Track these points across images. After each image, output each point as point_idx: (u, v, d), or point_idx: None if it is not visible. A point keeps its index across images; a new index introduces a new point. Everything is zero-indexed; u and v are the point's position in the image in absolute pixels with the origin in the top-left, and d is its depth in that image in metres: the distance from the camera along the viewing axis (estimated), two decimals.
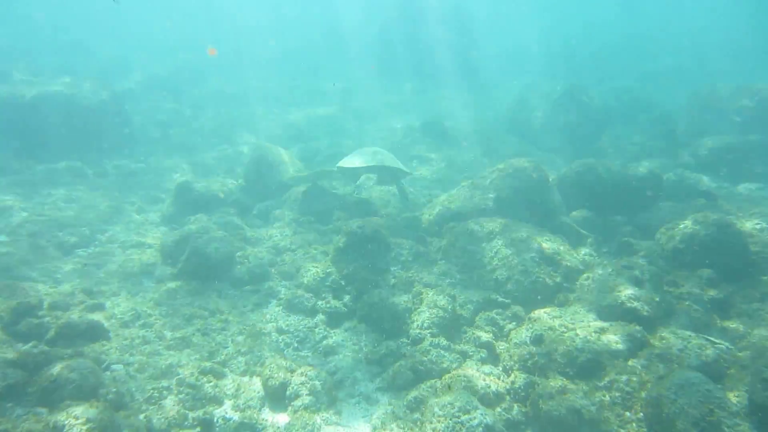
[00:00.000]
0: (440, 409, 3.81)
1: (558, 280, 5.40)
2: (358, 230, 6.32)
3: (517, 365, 4.46)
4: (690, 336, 4.24)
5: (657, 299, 4.77)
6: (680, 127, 13.01)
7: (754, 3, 30.85)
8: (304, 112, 16.04)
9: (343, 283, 6.07)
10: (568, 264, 5.55)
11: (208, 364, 4.71)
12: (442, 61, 21.27)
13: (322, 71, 23.45)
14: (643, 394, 3.73)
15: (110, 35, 27.03)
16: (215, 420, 4.11)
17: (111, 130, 11.35)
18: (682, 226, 6.06)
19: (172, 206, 8.09)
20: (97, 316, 5.11)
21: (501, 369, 4.59)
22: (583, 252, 6.59)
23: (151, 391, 4.29)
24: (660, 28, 32.93)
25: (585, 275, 5.42)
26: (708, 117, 11.87)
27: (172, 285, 5.72)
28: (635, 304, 4.63)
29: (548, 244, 5.85)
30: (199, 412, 4.14)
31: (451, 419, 3.72)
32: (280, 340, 5.24)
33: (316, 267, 6.21)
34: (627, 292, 4.78)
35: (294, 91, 20.27)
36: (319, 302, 5.84)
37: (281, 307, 5.76)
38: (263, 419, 4.21)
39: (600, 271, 5.20)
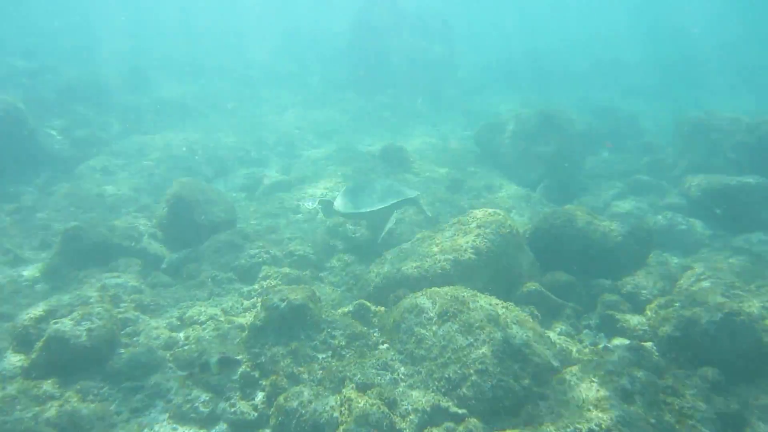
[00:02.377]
0: None
1: (526, 382, 4.43)
2: (280, 304, 5.26)
3: None
4: None
5: (652, 421, 3.85)
6: (669, 158, 12.41)
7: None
8: (251, 128, 14.94)
9: (256, 376, 5.00)
10: (539, 360, 4.59)
11: None
12: (417, 74, 20.50)
13: (285, 83, 22.45)
14: None
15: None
16: None
17: (7, 150, 10.06)
18: (677, 305, 5.21)
19: (57, 257, 6.88)
20: None
21: None
22: (558, 330, 5.69)
23: None
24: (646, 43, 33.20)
25: (559, 377, 4.48)
26: (699, 149, 11.25)
27: (12, 389, 4.53)
28: None
29: (515, 329, 4.90)
30: None
31: None
32: None
33: (221, 354, 5.11)
34: (613, 414, 3.84)
35: (247, 103, 19.17)
36: (222, 405, 4.75)
37: (168, 415, 4.64)
38: None
39: (579, 384, 4.25)
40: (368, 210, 7.47)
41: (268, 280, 6.67)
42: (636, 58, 30.20)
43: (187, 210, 7.59)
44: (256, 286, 6.67)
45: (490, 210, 6.61)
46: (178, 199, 7.59)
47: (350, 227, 8.34)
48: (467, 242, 6.12)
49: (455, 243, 6.18)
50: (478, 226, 6.33)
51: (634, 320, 5.68)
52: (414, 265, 6.15)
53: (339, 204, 7.83)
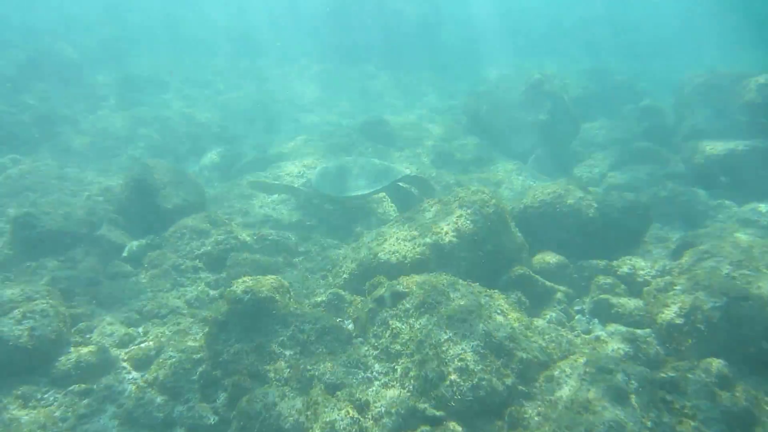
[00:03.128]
0: None
1: (510, 381, 4.09)
2: (244, 297, 4.88)
3: None
4: None
5: (649, 425, 3.52)
6: (670, 122, 11.93)
7: None
8: (229, 103, 14.34)
9: (218, 375, 4.65)
10: (524, 356, 4.23)
11: None
12: (404, 40, 19.77)
13: (268, 52, 21.65)
14: None
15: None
16: None
17: None
18: (678, 288, 4.85)
19: (7, 247, 6.45)
20: None
21: None
22: (548, 318, 5.34)
23: None
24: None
25: (547, 374, 4.14)
26: (703, 111, 10.75)
27: None
28: None
29: (499, 320, 4.54)
30: None
31: None
32: None
33: (181, 352, 4.76)
34: (606, 417, 3.51)
35: (226, 75, 18.47)
36: (179, 408, 4.41)
37: (118, 422, 4.29)
38: None
39: (569, 381, 3.90)
40: (355, 194, 7.09)
41: (236, 268, 6.27)
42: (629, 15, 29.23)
43: (149, 194, 7.15)
44: (223, 275, 6.28)
45: (474, 188, 6.20)
46: (139, 182, 7.14)
47: (329, 207, 7.92)
48: (448, 224, 5.72)
49: (435, 226, 5.78)
50: (461, 206, 5.93)
51: (630, 304, 5.34)
52: (390, 249, 5.75)
53: (319, 183, 7.42)
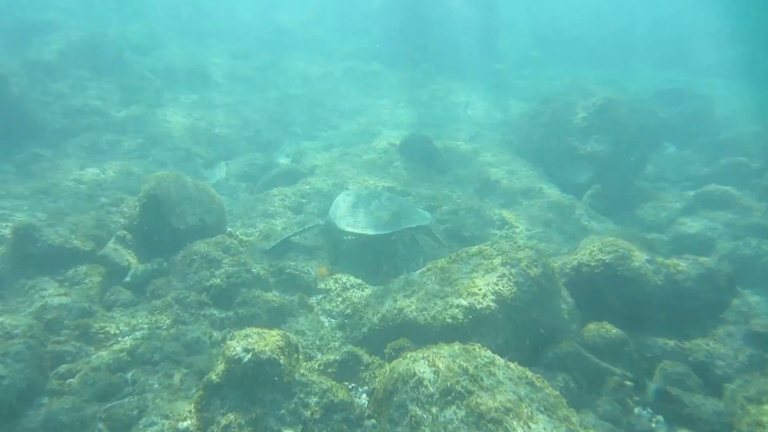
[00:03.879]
0: None
1: None
2: (244, 357, 4.31)
3: None
4: None
5: None
6: (754, 161, 10.81)
7: None
8: (267, 104, 13.93)
9: None
10: None
11: None
12: (458, 44, 19.05)
13: (311, 51, 21.29)
14: None
15: None
16: None
17: None
18: None
19: (5, 261, 6.12)
20: None
21: None
22: (600, 411, 4.56)
23: None
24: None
25: None
26: None
27: None
28: None
29: (542, 422, 3.82)
30: None
31: None
32: None
33: (165, 418, 4.25)
34: None
35: (269, 72, 18.17)
36: None
37: None
38: None
39: None
40: (373, 233, 6.57)
41: (245, 308, 5.75)
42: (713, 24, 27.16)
43: (162, 212, 6.70)
44: (231, 314, 5.77)
45: (521, 242, 5.48)
46: (152, 199, 6.69)
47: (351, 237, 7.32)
48: (488, 285, 5.03)
49: (472, 284, 5.10)
50: (504, 263, 5.22)
51: (707, 406, 4.51)
52: (419, 307, 5.10)
53: (340, 215, 6.90)
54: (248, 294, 5.89)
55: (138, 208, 6.78)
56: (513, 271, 5.13)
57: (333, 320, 6.05)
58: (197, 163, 10.56)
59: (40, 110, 11.06)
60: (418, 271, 5.89)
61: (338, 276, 6.67)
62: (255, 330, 4.68)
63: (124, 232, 6.68)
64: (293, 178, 9.73)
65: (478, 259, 5.52)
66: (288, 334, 4.75)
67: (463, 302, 4.98)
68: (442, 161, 10.23)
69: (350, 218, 6.82)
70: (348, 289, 6.49)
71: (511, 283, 5.04)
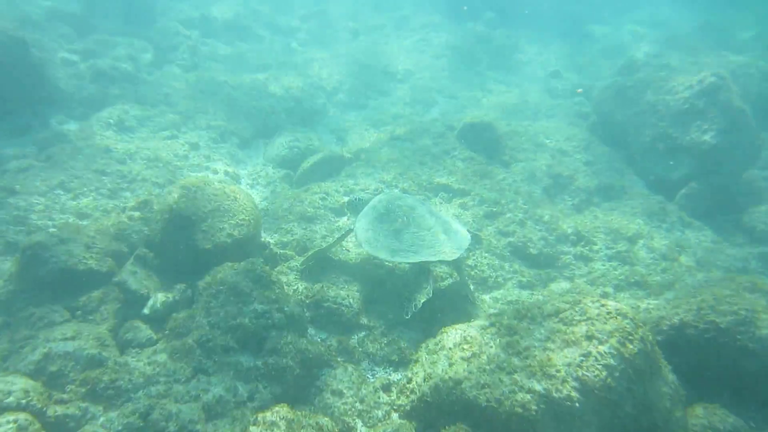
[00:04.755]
0: None
1: None
2: None
3: None
4: None
5: None
6: None
7: None
8: (309, 67, 12.93)
9: None
10: None
11: None
12: None
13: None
14: None
15: None
16: None
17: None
18: None
19: (12, 284, 5.67)
20: None
21: None
22: None
23: None
24: None
25: None
26: None
27: None
28: None
29: None
30: None
31: None
32: None
33: None
34: None
35: (312, 22, 17.00)
36: None
37: None
38: None
39: None
40: (390, 259, 5.77)
41: (275, 357, 5.13)
42: None
43: (187, 229, 6.06)
44: (259, 363, 5.15)
45: (612, 306, 4.53)
46: (176, 215, 6.05)
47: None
48: (568, 366, 4.18)
49: (548, 360, 4.26)
50: (589, 336, 4.33)
51: None
52: (479, 381, 4.33)
53: (363, 226, 6.06)
54: (279, 339, 5.23)
55: (160, 223, 6.15)
56: (602, 349, 4.24)
57: (377, 369, 5.37)
58: (232, 143, 9.85)
59: (64, 75, 10.54)
60: (473, 322, 5.09)
61: (382, 309, 5.93)
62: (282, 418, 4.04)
63: (145, 250, 6.09)
64: (337, 166, 8.92)
65: (554, 323, 4.64)
66: (319, 420, 4.09)
67: (537, 386, 4.16)
68: (507, 149, 9.12)
69: (371, 233, 5.95)
70: (393, 328, 5.76)
71: (599, 366, 4.15)
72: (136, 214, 6.85)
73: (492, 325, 4.94)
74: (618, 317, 4.44)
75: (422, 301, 5.47)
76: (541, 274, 6.75)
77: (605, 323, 4.41)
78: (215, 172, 8.92)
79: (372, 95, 12.91)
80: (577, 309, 4.65)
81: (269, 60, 13.86)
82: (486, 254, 6.91)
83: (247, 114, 10.65)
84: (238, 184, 8.88)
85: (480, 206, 7.75)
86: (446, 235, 5.79)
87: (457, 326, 5.21)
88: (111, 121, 9.44)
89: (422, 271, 5.77)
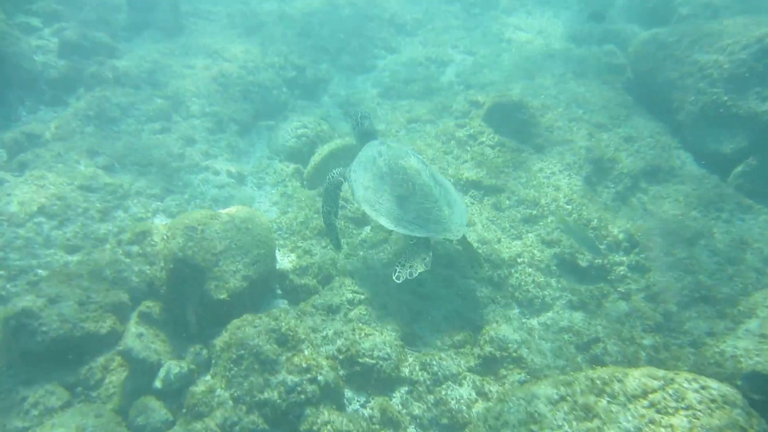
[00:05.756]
0: None
1: None
2: None
3: None
4: None
5: None
6: None
7: None
8: (303, 18, 11.47)
9: None
10: None
11: None
12: None
13: None
14: None
15: None
16: None
17: None
18: None
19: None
20: None
21: None
22: None
23: None
24: None
25: None
26: None
27: None
28: None
29: None
30: None
31: None
32: None
33: None
34: None
35: None
36: None
37: None
38: None
39: None
40: (391, 227, 5.28)
41: None
42: None
43: (196, 278, 5.22)
44: None
45: (714, 389, 3.79)
46: (181, 264, 5.17)
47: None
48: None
49: None
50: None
51: None
52: None
53: (363, 183, 5.56)
54: (316, 418, 4.52)
55: (163, 271, 5.29)
56: None
57: None
58: (231, 131, 8.74)
59: (26, 50, 9.17)
60: (544, 394, 4.36)
61: (425, 357, 5.18)
62: None
63: (150, 304, 5.27)
64: (351, 157, 7.87)
65: (643, 408, 3.90)
66: None
67: None
68: (540, 129, 8.06)
69: (371, 192, 5.44)
70: (441, 383, 5.05)
71: None
72: (134, 248, 5.94)
73: (562, 399, 4.22)
74: (726, 407, 3.70)
75: (419, 271, 5.13)
76: (593, 291, 5.99)
77: (711, 416, 3.67)
78: (216, 173, 7.92)
79: (380, 53, 11.56)
80: (670, 391, 3.90)
81: (263, 10, 12.33)
82: (529, 269, 6.10)
83: (243, 92, 9.46)
84: (244, 186, 7.91)
85: (517, 208, 6.87)
86: (450, 209, 5.38)
87: (520, 394, 4.48)
88: (90, 113, 8.26)
89: (423, 240, 5.33)
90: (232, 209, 5.96)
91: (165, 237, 5.40)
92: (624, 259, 6.35)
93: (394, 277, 5.13)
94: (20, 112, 8.66)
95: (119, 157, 7.62)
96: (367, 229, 6.74)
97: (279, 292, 5.97)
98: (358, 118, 6.35)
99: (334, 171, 6.01)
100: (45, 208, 6.51)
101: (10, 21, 9.82)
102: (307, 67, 10.54)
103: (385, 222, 5.29)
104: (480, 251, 6.15)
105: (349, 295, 5.67)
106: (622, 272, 6.23)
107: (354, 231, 6.71)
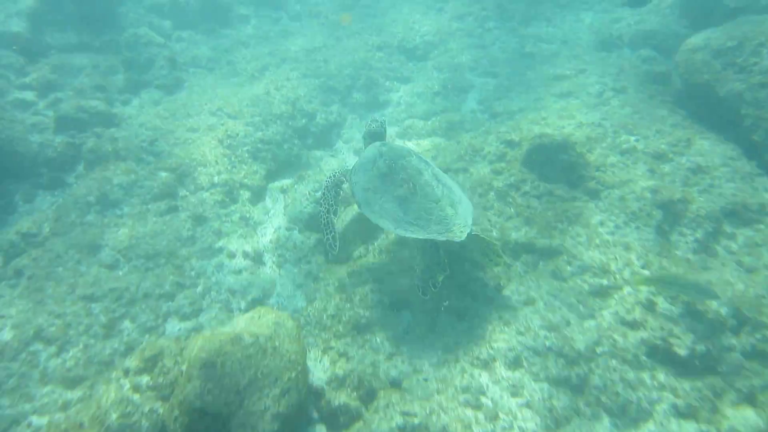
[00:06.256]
0: None
1: None
2: None
3: None
4: None
5: None
6: None
7: None
8: (318, 54, 10.53)
9: None
10: None
11: None
12: None
13: None
14: None
15: None
16: None
17: None
18: None
19: None
20: None
21: None
22: None
23: None
24: None
25: None
26: None
27: None
28: None
29: None
30: None
31: None
32: None
33: None
34: None
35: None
36: None
37: None
38: None
39: None
40: (392, 230, 5.20)
41: None
42: None
43: (217, 428, 4.32)
44: None
45: None
46: (199, 415, 4.29)
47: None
48: None
49: None
50: None
51: None
52: None
53: (362, 184, 5.56)
54: None
55: (178, 422, 4.40)
56: None
57: None
58: (244, 199, 7.87)
59: (21, 130, 8.45)
60: None
61: None
62: None
63: None
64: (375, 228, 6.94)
65: None
66: None
67: None
68: (590, 169, 7.01)
69: (371, 194, 5.40)
70: None
71: None
72: (144, 380, 5.06)
73: None
74: None
75: (440, 279, 5.16)
76: (702, 388, 4.90)
77: None
78: (231, 255, 7.05)
79: (392, 86, 10.61)
80: None
81: (263, 53, 11.43)
82: (613, 361, 5.08)
83: (252, 151, 8.58)
84: (262, 266, 7.02)
85: (581, 276, 5.84)
86: (453, 209, 5.21)
87: None
88: (91, 198, 7.46)
89: (429, 243, 5.23)
90: (254, 319, 5.09)
91: (180, 373, 4.52)
92: (734, 341, 5.22)
93: (420, 294, 5.19)
94: (17, 201, 7.94)
95: (124, 249, 6.80)
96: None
97: (315, 415, 5.06)
98: (369, 121, 6.55)
99: (335, 170, 6.29)
100: (42, 331, 5.70)
101: (2, 100, 9.18)
102: (318, 112, 9.63)
103: (385, 224, 5.20)
104: (544, 337, 5.19)
105: (399, 420, 4.73)
106: (736, 360, 5.10)
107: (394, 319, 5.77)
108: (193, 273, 6.74)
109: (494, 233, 6.43)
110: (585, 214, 6.47)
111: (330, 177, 6.13)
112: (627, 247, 5.97)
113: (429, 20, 12.19)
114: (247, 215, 7.73)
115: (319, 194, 7.04)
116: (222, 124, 8.88)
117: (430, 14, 12.49)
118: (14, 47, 10.03)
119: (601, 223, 6.33)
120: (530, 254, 6.21)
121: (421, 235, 5.03)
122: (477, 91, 10.11)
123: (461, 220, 5.13)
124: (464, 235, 5.04)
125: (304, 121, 9.41)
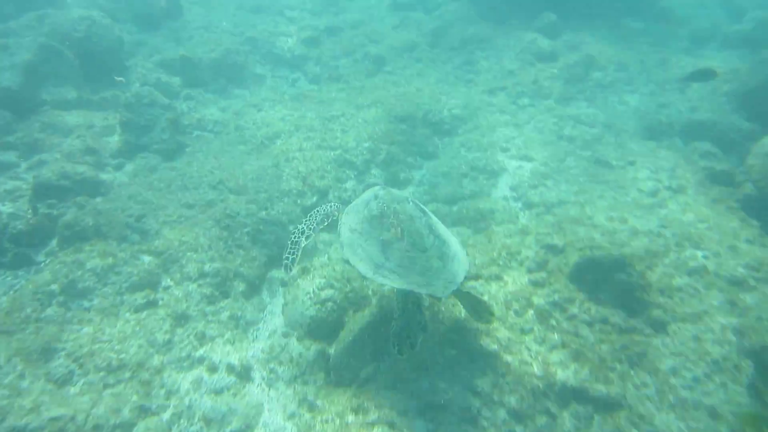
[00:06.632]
0: None
1: None
2: None
3: None
4: None
5: None
6: None
7: None
8: (341, 121, 9.55)
9: None
10: None
11: None
12: None
13: None
14: None
15: None
16: None
17: None
18: None
19: None
20: None
21: None
22: None
23: None
24: None
25: None
26: None
27: None
28: None
29: None
30: None
31: None
32: None
33: None
34: None
35: (320, 47, 13.62)
36: None
37: None
38: None
39: None
40: (368, 276, 4.67)
41: None
42: None
43: None
44: None
45: None
46: None
47: None
48: None
49: None
50: None
51: None
52: None
53: (350, 225, 5.20)
54: None
55: None
56: None
57: None
58: (237, 293, 6.72)
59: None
60: None
61: None
62: None
63: None
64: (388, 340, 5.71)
65: None
66: None
67: None
68: (653, 293, 5.78)
69: (356, 235, 5.01)
70: None
71: None
72: None
73: None
74: None
75: (419, 339, 4.70)
76: None
77: None
78: (213, 368, 5.83)
79: (415, 162, 9.58)
80: None
81: (275, 118, 10.53)
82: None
83: (253, 233, 7.49)
84: (249, 384, 5.77)
85: None
86: (441, 262, 4.79)
87: None
88: (54, 287, 6.31)
89: (410, 295, 4.79)
90: None
91: None
92: None
93: (395, 352, 4.65)
94: None
95: (82, 357, 5.60)
96: None
97: None
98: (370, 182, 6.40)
99: (331, 203, 6.08)
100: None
101: None
102: (330, 189, 8.58)
103: (362, 268, 4.75)
104: None
105: None
106: None
107: None
108: (162, 392, 5.50)
109: (534, 368, 5.17)
110: (650, 355, 5.20)
111: (323, 207, 5.98)
112: (714, 415, 4.66)
113: (458, 92, 11.30)
114: (239, 313, 6.55)
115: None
116: (222, 200, 7.84)
117: (459, 86, 11.63)
118: None
119: (674, 372, 5.04)
120: (583, 404, 4.92)
121: (398, 284, 4.59)
122: (509, 175, 9.03)
123: (448, 275, 4.69)
124: (448, 292, 4.59)
125: (314, 198, 8.36)
